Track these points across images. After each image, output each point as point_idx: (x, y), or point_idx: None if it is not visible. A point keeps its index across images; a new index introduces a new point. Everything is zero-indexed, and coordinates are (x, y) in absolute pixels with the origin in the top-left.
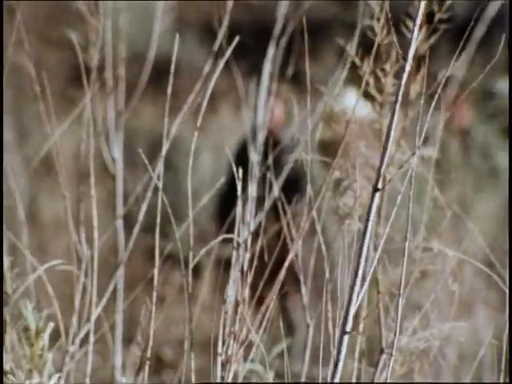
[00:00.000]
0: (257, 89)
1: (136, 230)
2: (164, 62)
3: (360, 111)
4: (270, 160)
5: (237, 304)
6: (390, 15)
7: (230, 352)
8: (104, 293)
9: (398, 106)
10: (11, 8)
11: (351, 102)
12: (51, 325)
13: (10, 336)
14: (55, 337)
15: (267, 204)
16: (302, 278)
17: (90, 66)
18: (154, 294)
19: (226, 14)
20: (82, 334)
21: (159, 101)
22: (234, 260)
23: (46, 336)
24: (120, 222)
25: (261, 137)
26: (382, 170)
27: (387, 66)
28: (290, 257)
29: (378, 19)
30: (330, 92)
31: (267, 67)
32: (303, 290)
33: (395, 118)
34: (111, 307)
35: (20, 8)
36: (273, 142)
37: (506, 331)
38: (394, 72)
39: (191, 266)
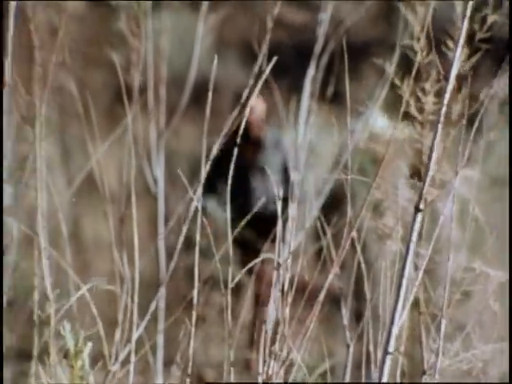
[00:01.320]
0: (297, 108)
1: (177, 250)
2: (204, 82)
3: (386, 130)
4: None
5: (277, 324)
6: (430, 34)
7: (270, 372)
8: (145, 313)
9: (440, 126)
10: (54, 29)
11: (378, 121)
12: (90, 345)
13: (53, 356)
14: (98, 357)
15: (307, 224)
16: (342, 298)
17: (132, 87)
18: (194, 314)
19: (266, 34)
20: (123, 355)
21: (199, 121)
22: (274, 280)
23: (85, 356)
24: (161, 243)
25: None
26: (424, 191)
27: (428, 86)
28: (330, 277)
29: (419, 39)
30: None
31: (307, 87)
32: (343, 310)
33: (437, 138)
34: (152, 327)
35: (63, 29)
36: (251, 139)
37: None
38: (434, 92)
39: (231, 285)
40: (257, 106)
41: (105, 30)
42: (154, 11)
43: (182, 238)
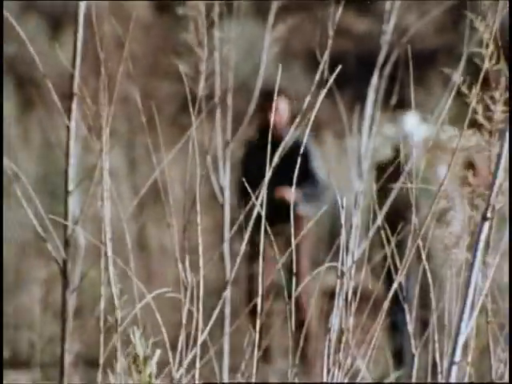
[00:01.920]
0: (360, 117)
1: (239, 257)
2: (270, 91)
3: (419, 134)
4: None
5: (341, 333)
6: (499, 41)
7: (335, 381)
8: (209, 320)
9: (508, 134)
10: (120, 40)
11: (411, 126)
12: (158, 352)
13: (121, 363)
14: (163, 364)
15: (371, 232)
16: (407, 307)
17: (198, 96)
18: (258, 322)
19: (329, 42)
20: (187, 360)
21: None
22: (337, 289)
23: (153, 363)
24: (226, 250)
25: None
26: (492, 199)
27: (496, 94)
28: (395, 286)
29: (487, 45)
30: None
31: (371, 95)
32: (408, 319)
33: (506, 146)
34: (217, 334)
35: (129, 39)
36: (272, 139)
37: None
38: (504, 100)
39: (295, 294)
40: (280, 106)
41: (171, 39)
42: (221, 20)
43: (243, 246)
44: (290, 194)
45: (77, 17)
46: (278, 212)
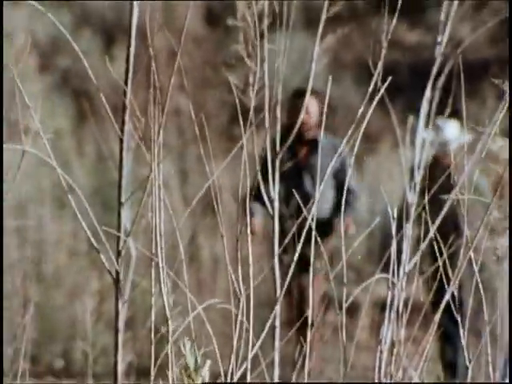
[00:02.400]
0: (414, 128)
1: (291, 268)
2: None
3: (458, 140)
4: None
5: (393, 345)
6: None
7: None
8: (260, 331)
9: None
10: (172, 52)
11: (452, 133)
12: (209, 362)
13: (172, 373)
14: (214, 375)
15: (424, 244)
16: (459, 318)
17: (249, 107)
18: (309, 333)
19: (382, 53)
20: (239, 373)
21: None
22: (389, 300)
23: (204, 373)
24: (276, 261)
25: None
26: None
27: None
28: (446, 298)
29: None
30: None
31: (424, 106)
32: (461, 331)
33: None
34: (268, 346)
35: (180, 52)
36: (299, 139)
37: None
38: None
39: (346, 305)
40: (311, 106)
41: (222, 51)
42: (270, 32)
43: (295, 257)
44: (352, 226)
45: (129, 30)
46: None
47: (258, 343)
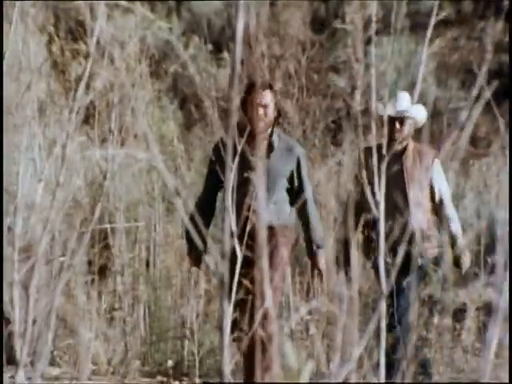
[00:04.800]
0: None
1: (395, 271)
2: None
3: (419, 115)
4: None
5: (500, 348)
6: None
7: None
8: (363, 332)
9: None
10: (278, 57)
11: (405, 106)
12: (310, 364)
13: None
14: (318, 376)
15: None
16: None
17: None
18: (414, 335)
19: (487, 56)
20: (343, 374)
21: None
22: (494, 303)
23: (305, 375)
24: (381, 263)
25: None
26: None
27: None
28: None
29: None
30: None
31: None
32: None
33: None
34: (372, 346)
35: (286, 57)
36: (250, 133)
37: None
38: None
39: (451, 308)
40: (266, 100)
41: (327, 56)
42: (378, 36)
43: (399, 260)
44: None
45: (235, 37)
46: None
47: (362, 345)
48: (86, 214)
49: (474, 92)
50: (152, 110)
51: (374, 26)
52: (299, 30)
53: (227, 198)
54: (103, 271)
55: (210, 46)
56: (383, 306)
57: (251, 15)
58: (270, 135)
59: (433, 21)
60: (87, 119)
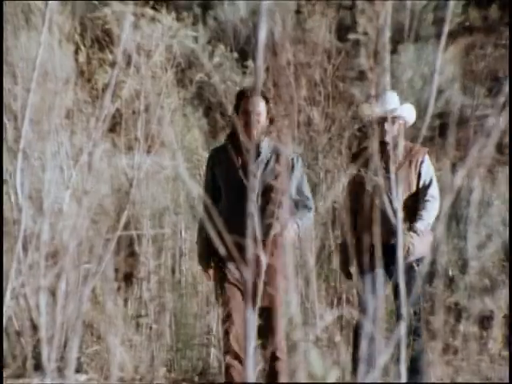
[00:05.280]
0: None
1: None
2: (449, 111)
3: (408, 114)
4: None
5: None
6: None
7: None
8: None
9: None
10: (303, 66)
11: (393, 106)
12: (335, 372)
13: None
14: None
15: None
16: None
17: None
18: (439, 343)
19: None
20: (368, 382)
21: (445, 151)
22: None
23: (330, 382)
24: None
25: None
26: None
27: None
28: None
29: None
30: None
31: None
32: None
33: None
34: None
35: (310, 65)
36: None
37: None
38: None
39: (478, 316)
40: (258, 108)
41: (352, 64)
42: (396, 45)
43: (442, 267)
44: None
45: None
46: None
47: (387, 353)
48: (113, 221)
49: (501, 99)
50: (177, 119)
51: (387, 34)
52: (325, 38)
53: (250, 204)
54: (129, 278)
55: (235, 54)
56: (404, 314)
57: (276, 23)
58: (259, 143)
59: (446, 28)
60: (113, 127)
